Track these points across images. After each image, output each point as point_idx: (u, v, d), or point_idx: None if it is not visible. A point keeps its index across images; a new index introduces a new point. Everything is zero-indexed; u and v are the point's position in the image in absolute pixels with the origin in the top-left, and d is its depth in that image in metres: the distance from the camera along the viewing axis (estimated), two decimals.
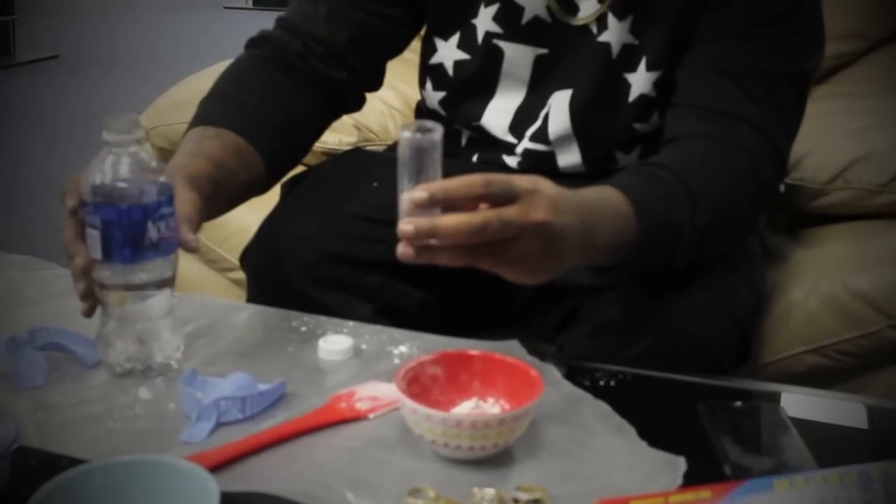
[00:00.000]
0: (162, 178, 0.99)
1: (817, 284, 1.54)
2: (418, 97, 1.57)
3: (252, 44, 1.35)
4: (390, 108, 1.98)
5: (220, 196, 1.14)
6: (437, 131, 0.91)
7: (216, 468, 0.86)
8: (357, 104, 1.40)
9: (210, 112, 1.27)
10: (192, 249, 1.01)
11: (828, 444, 0.96)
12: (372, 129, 1.94)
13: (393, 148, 1.56)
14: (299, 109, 1.30)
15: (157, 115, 2.03)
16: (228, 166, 1.17)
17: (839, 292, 1.53)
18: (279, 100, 1.29)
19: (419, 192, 0.88)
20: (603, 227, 1.00)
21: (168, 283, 1.02)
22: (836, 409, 1.04)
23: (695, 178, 1.10)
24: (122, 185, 0.97)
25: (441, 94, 1.38)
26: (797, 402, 1.04)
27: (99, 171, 0.97)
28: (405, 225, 0.89)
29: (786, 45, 1.18)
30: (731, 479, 0.87)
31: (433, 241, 0.88)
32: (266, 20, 1.36)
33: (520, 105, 1.34)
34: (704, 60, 1.20)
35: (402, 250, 0.90)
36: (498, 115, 1.35)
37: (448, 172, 1.39)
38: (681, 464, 0.89)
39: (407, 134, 0.91)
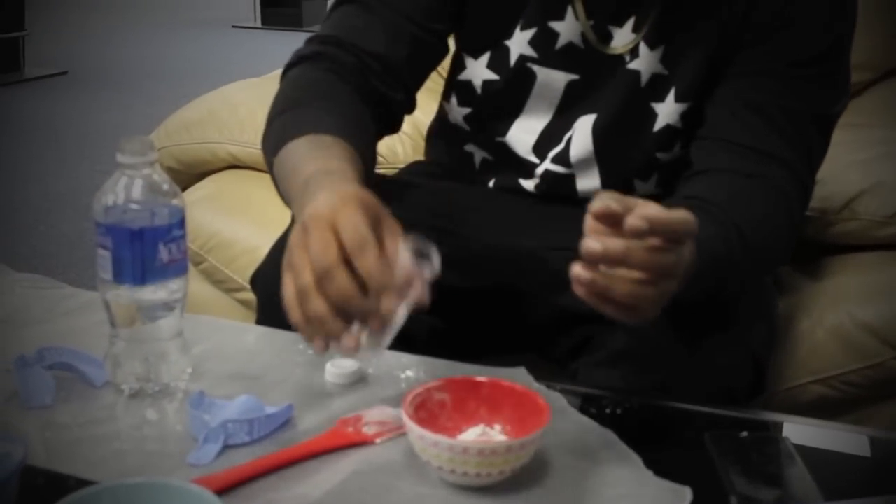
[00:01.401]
0: (174, 201, 0.99)
1: (823, 315, 1.54)
2: (427, 121, 1.57)
3: (303, 59, 1.27)
4: (400, 133, 1.97)
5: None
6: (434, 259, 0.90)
7: (223, 491, 0.86)
8: (398, 126, 1.36)
9: (312, 121, 1.14)
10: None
11: (831, 476, 0.95)
12: (380, 152, 1.92)
13: (402, 172, 1.56)
14: (371, 128, 1.25)
15: (167, 136, 2.04)
16: (361, 165, 1.10)
17: (845, 323, 1.53)
18: (361, 117, 1.22)
19: (637, 220, 0.85)
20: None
21: (177, 304, 1.02)
22: (841, 441, 1.03)
23: (742, 219, 1.11)
24: (134, 206, 0.97)
25: (467, 111, 1.38)
26: (802, 433, 1.04)
27: (112, 193, 0.97)
28: (593, 243, 0.86)
29: (817, 87, 1.19)
30: None
31: (616, 270, 0.87)
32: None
33: (545, 126, 1.34)
34: (736, 96, 1.20)
35: (579, 285, 0.88)
36: (523, 135, 1.35)
37: (466, 200, 1.42)
38: (687, 494, 0.89)
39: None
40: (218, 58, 7.17)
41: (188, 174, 2.06)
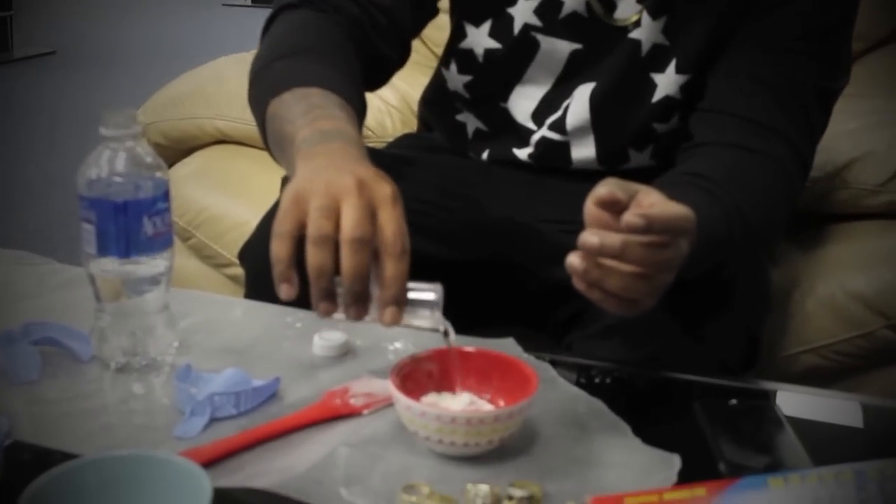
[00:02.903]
0: (158, 174, 0.98)
1: (814, 285, 1.54)
2: (416, 95, 1.56)
3: (305, 3, 1.21)
4: (388, 106, 1.97)
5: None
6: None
7: (209, 463, 0.85)
8: (383, 84, 1.31)
9: (318, 74, 1.09)
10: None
11: (824, 443, 0.95)
12: (369, 125, 1.92)
13: (393, 145, 1.55)
14: (363, 88, 1.19)
15: (154, 111, 2.03)
16: (355, 120, 1.06)
17: (836, 293, 1.53)
18: (357, 76, 1.17)
19: (635, 218, 0.85)
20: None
21: (163, 278, 1.01)
22: (832, 408, 1.03)
23: (744, 198, 1.10)
24: (118, 179, 0.96)
25: (467, 78, 1.37)
26: (793, 401, 1.03)
27: (95, 166, 0.96)
28: (591, 237, 0.86)
29: (821, 62, 1.17)
30: (726, 477, 0.86)
31: (610, 262, 0.87)
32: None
33: (545, 94, 1.33)
34: (740, 68, 1.18)
35: (578, 279, 0.88)
36: (523, 101, 1.34)
37: (459, 174, 1.42)
38: (675, 461, 0.88)
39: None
40: (209, 36, 7.13)
41: (176, 150, 2.05)
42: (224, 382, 0.96)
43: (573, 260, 0.87)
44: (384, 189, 0.86)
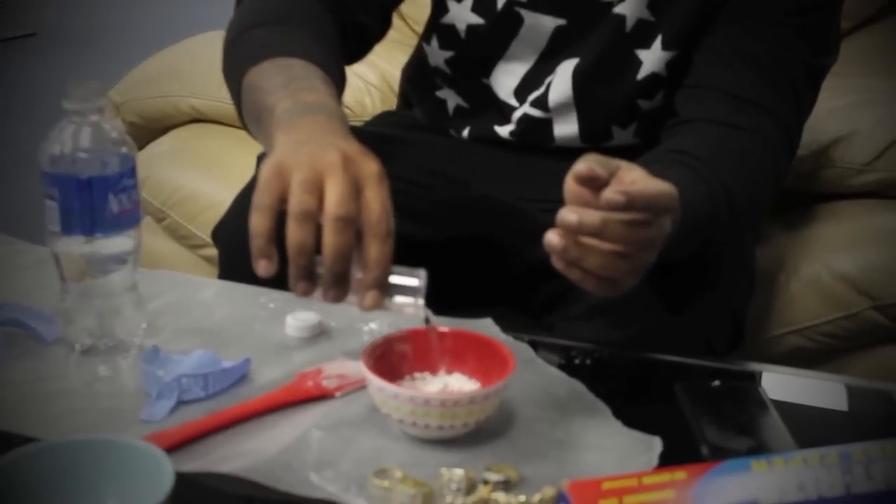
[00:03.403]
0: (124, 149, 0.95)
1: (799, 265, 1.52)
2: (396, 73, 1.53)
3: None
4: (367, 85, 1.94)
5: None
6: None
7: (175, 447, 0.84)
8: (361, 57, 1.28)
9: (298, 44, 1.06)
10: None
11: (808, 425, 0.94)
12: (347, 104, 1.90)
13: (371, 123, 1.53)
14: (341, 55, 1.15)
15: (128, 90, 2.00)
16: (337, 90, 1.03)
17: (822, 273, 1.51)
18: (338, 48, 1.14)
19: (615, 195, 0.82)
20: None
21: (130, 257, 0.98)
22: (817, 390, 1.02)
23: (729, 176, 1.07)
24: (82, 155, 0.93)
25: (448, 54, 1.34)
26: (778, 383, 1.02)
27: (58, 141, 0.94)
28: (569, 214, 0.82)
29: (810, 38, 1.15)
30: (708, 460, 0.84)
31: (589, 241, 0.84)
32: None
33: (528, 70, 1.30)
34: (727, 44, 1.15)
35: (556, 258, 0.85)
36: (505, 77, 1.32)
37: (440, 152, 1.39)
38: (656, 444, 0.87)
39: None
40: (192, 17, 7.04)
41: (150, 129, 2.02)
42: (193, 364, 0.95)
43: (551, 238, 0.84)
44: (370, 166, 0.82)
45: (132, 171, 0.96)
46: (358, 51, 1.26)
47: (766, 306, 1.49)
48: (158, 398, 0.91)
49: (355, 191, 0.80)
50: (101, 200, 0.94)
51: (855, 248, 1.52)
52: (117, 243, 0.96)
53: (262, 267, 0.82)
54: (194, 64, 1.96)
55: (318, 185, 0.80)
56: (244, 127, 1.07)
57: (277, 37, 1.07)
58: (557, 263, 0.86)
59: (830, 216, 1.61)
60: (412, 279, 0.85)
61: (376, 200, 0.81)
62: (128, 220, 0.96)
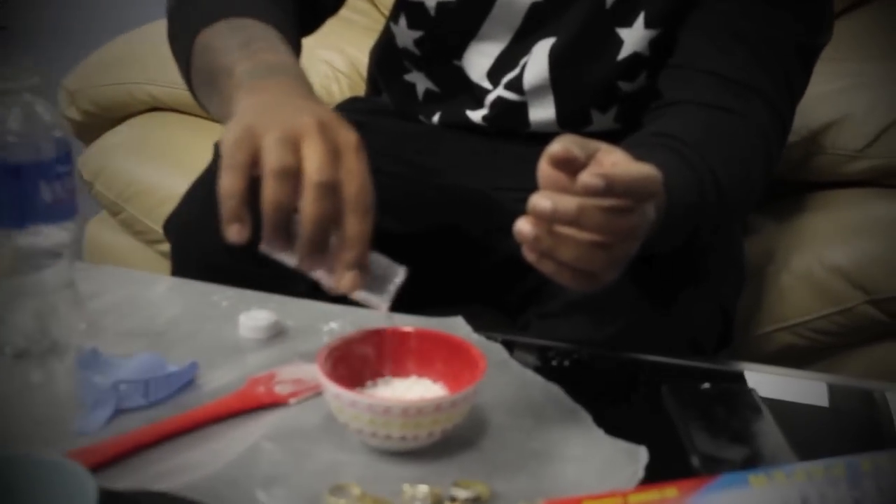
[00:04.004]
0: (58, 133, 0.88)
1: (790, 258, 1.48)
2: (364, 59, 1.47)
3: None
4: (335, 71, 1.87)
5: None
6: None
7: (109, 462, 0.76)
8: (310, 31, 1.21)
9: (230, 7, 0.99)
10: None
11: (803, 432, 0.87)
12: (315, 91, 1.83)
13: (338, 108, 1.46)
14: (296, 26, 1.09)
15: (83, 77, 1.93)
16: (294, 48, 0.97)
17: (814, 266, 1.46)
18: (290, 16, 1.08)
19: (593, 179, 0.73)
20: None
21: (65, 251, 0.91)
22: (814, 392, 0.95)
23: (718, 162, 1.00)
24: (10, 139, 0.86)
25: (417, 34, 1.26)
26: (771, 385, 0.95)
27: None
28: (542, 200, 0.74)
29: (802, 15, 1.08)
30: (700, 473, 0.77)
31: (565, 230, 0.76)
32: None
33: (503, 51, 1.23)
34: (716, 22, 1.08)
35: (528, 249, 0.77)
36: (478, 59, 1.25)
37: (408, 138, 1.32)
38: (642, 454, 0.79)
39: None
40: (164, 11, 6.99)
41: (106, 118, 1.95)
42: (134, 369, 0.87)
43: (522, 226, 0.76)
44: (348, 135, 0.76)
45: (67, 157, 0.89)
46: (310, 22, 1.19)
47: (755, 302, 1.44)
48: (94, 407, 0.84)
49: (335, 158, 0.74)
50: (31, 189, 0.87)
51: (849, 239, 1.48)
52: (51, 236, 0.89)
53: (235, 231, 0.74)
54: (152, 50, 1.89)
55: (295, 145, 0.73)
56: (192, 94, 1.00)
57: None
58: (529, 255, 0.78)
59: (822, 206, 1.56)
60: (396, 272, 0.79)
61: (356, 172, 0.74)
62: (62, 211, 0.89)
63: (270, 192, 0.72)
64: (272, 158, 0.72)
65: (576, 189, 0.75)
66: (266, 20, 0.95)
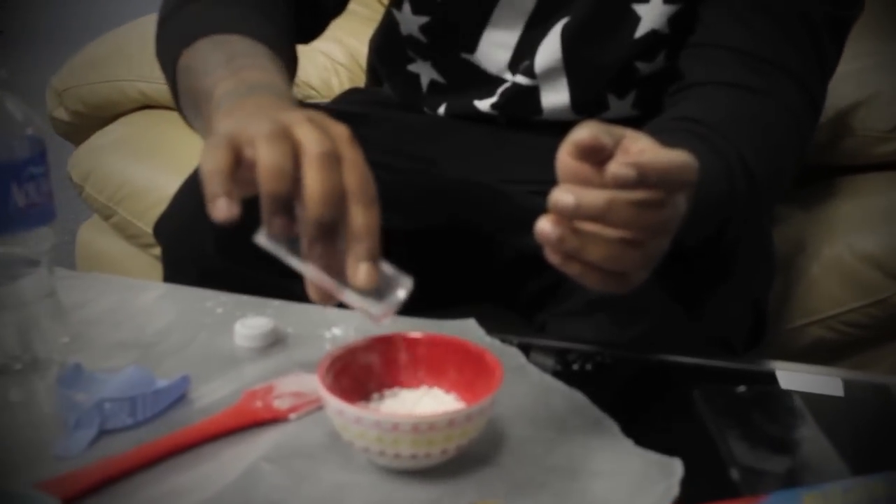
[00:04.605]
0: (30, 131, 0.82)
1: (819, 248, 1.42)
2: (365, 51, 1.41)
3: None
4: (334, 63, 1.82)
5: None
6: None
7: (92, 490, 0.70)
8: (316, 36, 1.17)
9: (234, 17, 0.96)
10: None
11: (846, 436, 0.79)
12: (313, 84, 1.78)
13: (337, 101, 1.40)
14: (293, 41, 1.05)
15: (72, 75, 1.88)
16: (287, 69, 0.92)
17: (844, 256, 1.40)
18: (287, 26, 1.04)
19: (623, 169, 0.67)
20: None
21: (43, 258, 0.85)
22: (848, 392, 0.89)
23: (747, 146, 0.94)
24: None
25: (423, 20, 1.20)
26: (806, 385, 0.88)
27: None
28: (564, 194, 0.67)
29: None
30: (741, 487, 0.71)
31: (591, 227, 0.69)
32: None
33: (519, 40, 1.17)
34: None
35: (551, 250, 0.71)
36: (494, 51, 1.18)
37: (413, 130, 1.25)
38: (676, 468, 0.73)
39: None
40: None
41: (96, 117, 1.90)
42: (121, 385, 0.81)
43: (544, 226, 0.69)
44: (339, 127, 0.70)
45: (41, 157, 0.84)
46: (312, 28, 1.14)
47: (783, 295, 1.39)
48: (76, 428, 0.77)
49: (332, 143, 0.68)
50: (2, 192, 0.81)
51: (880, 225, 1.42)
52: (26, 243, 0.84)
53: (222, 206, 0.66)
54: (143, 46, 1.82)
55: (286, 136, 0.67)
56: (182, 117, 0.95)
57: (215, 12, 0.95)
58: (552, 257, 0.71)
59: (852, 191, 1.50)
60: (395, 284, 0.71)
61: (354, 161, 0.68)
62: (38, 216, 0.84)
63: (265, 157, 0.66)
64: (262, 148, 0.66)
65: (604, 181, 0.68)
66: (252, 34, 0.90)
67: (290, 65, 0.95)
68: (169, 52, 0.94)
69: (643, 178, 0.67)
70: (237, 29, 0.90)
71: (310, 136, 0.67)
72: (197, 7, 0.97)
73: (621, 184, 0.67)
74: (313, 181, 0.66)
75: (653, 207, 0.69)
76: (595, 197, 0.68)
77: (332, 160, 0.67)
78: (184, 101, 0.92)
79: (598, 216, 0.68)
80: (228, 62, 0.84)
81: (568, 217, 0.68)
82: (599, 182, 0.69)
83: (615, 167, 0.67)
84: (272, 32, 0.93)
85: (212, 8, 0.96)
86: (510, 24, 1.16)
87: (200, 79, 0.85)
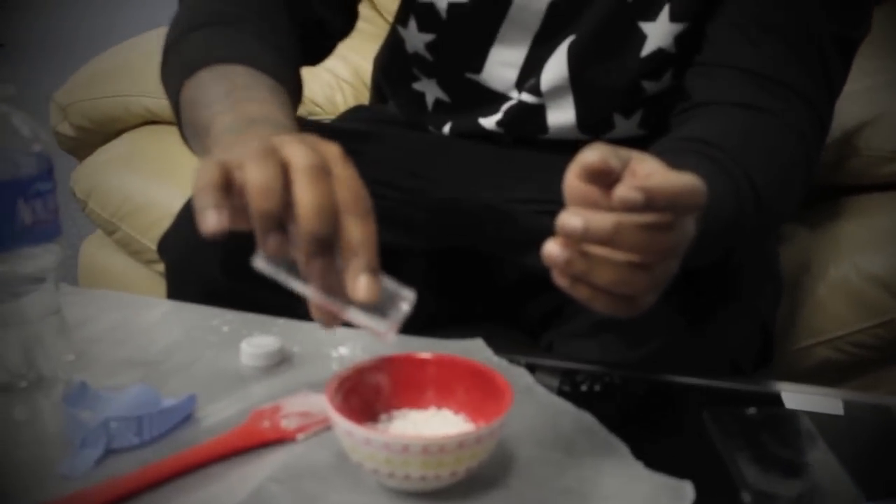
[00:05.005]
0: (37, 147, 0.81)
1: (825, 268, 1.41)
2: (369, 68, 1.40)
3: None
4: (338, 80, 1.81)
5: None
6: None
7: None
8: (324, 58, 1.17)
9: (237, 46, 0.95)
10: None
11: (857, 459, 0.79)
12: (317, 101, 1.77)
13: (342, 118, 1.39)
14: (299, 63, 1.04)
15: (75, 91, 1.87)
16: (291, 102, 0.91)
17: (850, 276, 1.39)
18: (293, 50, 1.03)
19: (631, 192, 0.66)
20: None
21: (49, 275, 0.84)
22: (861, 414, 0.89)
23: (755, 167, 0.93)
24: None
25: (429, 38, 1.19)
26: (815, 406, 0.87)
27: None
28: (572, 218, 0.67)
29: (840, 4, 1.01)
30: None
31: (599, 250, 0.68)
32: None
33: (526, 58, 1.15)
34: (746, 13, 1.01)
35: (559, 273, 0.70)
36: (503, 70, 1.17)
37: (417, 149, 1.24)
38: (688, 491, 0.72)
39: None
40: (166, 25, 6.94)
41: (99, 133, 1.89)
42: (126, 404, 0.80)
43: (552, 249, 0.68)
44: (331, 147, 0.69)
45: (49, 174, 0.82)
46: (319, 50, 1.14)
47: (790, 315, 1.38)
48: (82, 447, 0.76)
49: (322, 160, 0.67)
50: (8, 208, 0.80)
51: (886, 246, 1.41)
52: (32, 260, 0.83)
53: (212, 219, 0.65)
54: (148, 61, 1.80)
55: (274, 154, 0.67)
56: (188, 147, 0.94)
57: (218, 40, 0.95)
58: (560, 279, 0.70)
59: (858, 211, 1.49)
60: (397, 299, 0.70)
61: (347, 177, 0.68)
62: (44, 233, 0.82)
63: (253, 176, 0.65)
64: (250, 167, 0.66)
65: (612, 204, 0.67)
66: (255, 64, 0.89)
67: (293, 92, 0.94)
68: (172, 82, 0.94)
69: (651, 201, 0.66)
70: (239, 59, 0.90)
71: (297, 152, 0.66)
72: (200, 36, 0.96)
73: (629, 207, 0.66)
74: (303, 194, 0.65)
75: (661, 231, 0.68)
76: (602, 220, 0.67)
77: (322, 173, 0.66)
78: (187, 132, 0.92)
79: (605, 240, 0.67)
80: (228, 95, 0.84)
81: (576, 240, 0.68)
82: (607, 205, 0.68)
83: (622, 190, 0.66)
84: (275, 60, 0.93)
85: (215, 37, 0.96)
86: (516, 41, 1.15)
87: (201, 111, 0.85)
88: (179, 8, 1.04)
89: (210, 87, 0.87)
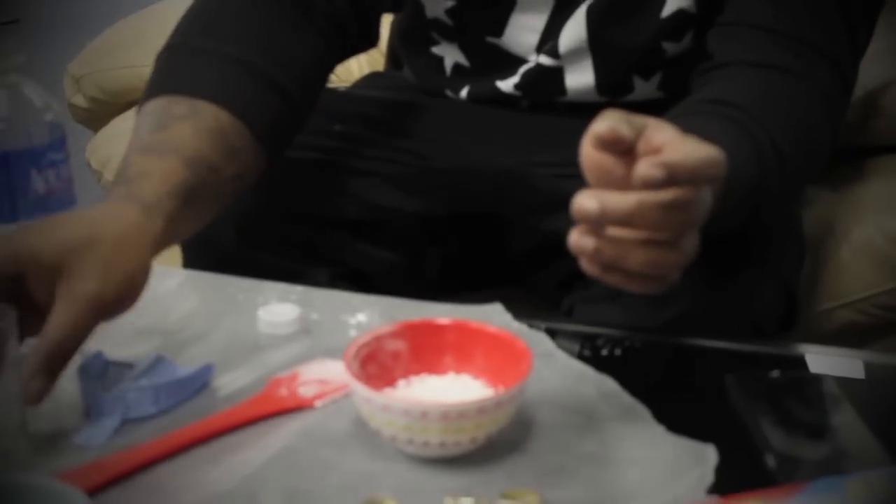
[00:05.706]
0: (49, 117, 0.82)
1: (848, 230, 1.39)
2: (386, 35, 1.38)
3: None
4: None
5: (194, 210, 0.86)
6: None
7: (114, 480, 0.69)
8: (373, 40, 1.13)
9: (176, 74, 0.95)
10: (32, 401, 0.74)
11: (883, 419, 0.77)
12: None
13: (357, 85, 1.38)
14: (303, 55, 1.01)
15: (89, 61, 1.86)
16: (207, 161, 0.87)
17: (874, 237, 1.37)
18: (276, 46, 0.99)
19: (652, 169, 0.65)
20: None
21: None
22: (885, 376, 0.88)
23: (778, 129, 0.91)
24: None
25: (450, 3, 1.17)
26: (842, 369, 0.86)
27: None
28: (587, 200, 0.66)
29: None
30: (776, 474, 0.69)
31: (618, 232, 0.68)
32: None
33: (547, 23, 1.14)
34: None
35: (588, 262, 0.69)
36: (524, 34, 1.15)
37: (433, 114, 1.23)
38: (710, 455, 0.71)
39: None
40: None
41: (114, 104, 1.87)
42: (143, 373, 0.81)
43: (577, 239, 0.68)
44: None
45: (61, 143, 0.84)
46: (366, 37, 1.12)
47: (813, 277, 1.36)
48: (99, 417, 0.76)
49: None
50: (22, 178, 0.81)
51: None
52: None
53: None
54: (161, 30, 1.79)
55: None
56: None
57: (198, 62, 0.95)
58: (590, 268, 0.70)
59: (881, 172, 1.47)
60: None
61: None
62: (58, 202, 0.84)
63: None
64: None
65: (633, 183, 0.66)
66: (209, 95, 0.90)
67: (279, 104, 0.95)
68: (146, 93, 0.94)
69: (672, 177, 0.65)
70: (191, 88, 0.90)
71: None
72: (188, 50, 0.97)
73: (650, 184, 0.65)
74: None
75: (681, 206, 0.68)
76: (621, 201, 0.66)
77: None
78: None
79: (625, 220, 0.67)
80: (144, 133, 0.86)
81: (592, 224, 0.67)
82: (623, 174, 0.67)
83: (643, 168, 0.65)
84: (248, 83, 0.93)
85: (200, 55, 0.95)
86: (538, 6, 1.13)
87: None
88: (193, 3, 1.04)
89: (141, 121, 0.89)
